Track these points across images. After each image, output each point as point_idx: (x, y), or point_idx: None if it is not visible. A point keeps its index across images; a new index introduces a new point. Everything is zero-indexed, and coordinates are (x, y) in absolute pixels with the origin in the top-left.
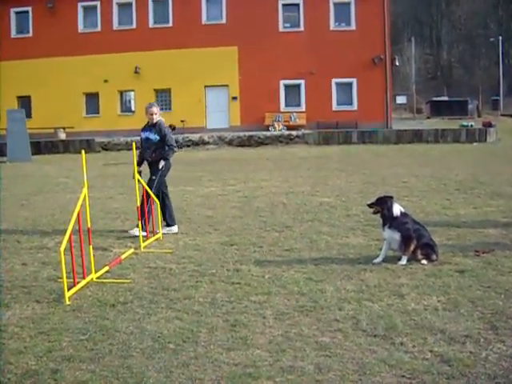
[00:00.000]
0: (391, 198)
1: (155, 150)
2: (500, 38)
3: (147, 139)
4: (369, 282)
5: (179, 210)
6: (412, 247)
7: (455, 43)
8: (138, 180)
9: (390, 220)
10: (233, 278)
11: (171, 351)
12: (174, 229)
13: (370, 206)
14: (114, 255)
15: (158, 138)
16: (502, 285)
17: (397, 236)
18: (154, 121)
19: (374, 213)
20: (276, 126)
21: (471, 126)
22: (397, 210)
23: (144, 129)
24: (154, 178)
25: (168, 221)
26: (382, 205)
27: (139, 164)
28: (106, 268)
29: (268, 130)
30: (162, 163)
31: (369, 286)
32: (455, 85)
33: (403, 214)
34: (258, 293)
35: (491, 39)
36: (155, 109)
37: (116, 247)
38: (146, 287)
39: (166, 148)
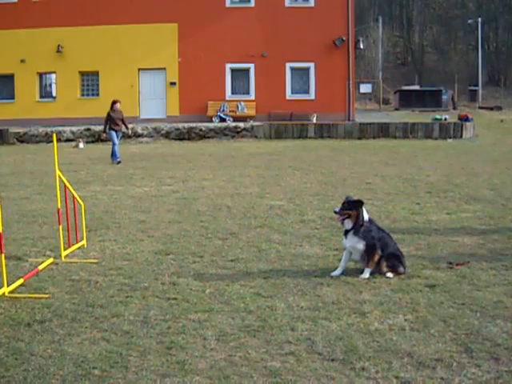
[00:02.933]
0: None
1: None
2: (479, 19)
3: None
4: (326, 299)
5: (107, 214)
6: (376, 258)
7: (428, 25)
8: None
9: (357, 226)
10: (168, 293)
11: (96, 378)
12: None
13: (339, 212)
14: (29, 265)
15: None
16: (477, 301)
17: (360, 245)
18: None
19: (344, 219)
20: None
21: (445, 119)
22: (365, 215)
23: None
24: None
25: None
26: (356, 208)
27: None
28: (21, 281)
29: (211, 121)
30: None
31: (326, 302)
32: (428, 72)
33: (369, 220)
34: (197, 310)
35: (469, 21)
36: None
37: (32, 256)
38: (68, 303)
39: None
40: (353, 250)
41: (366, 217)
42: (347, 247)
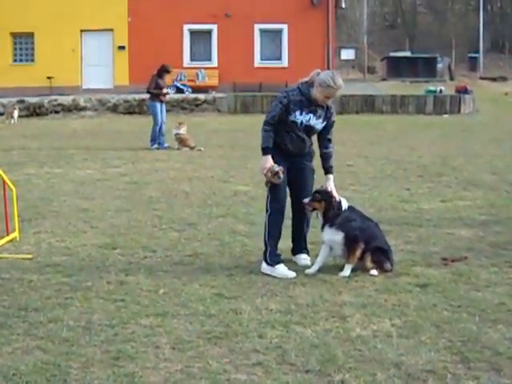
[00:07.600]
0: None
1: None
2: None
3: None
4: (299, 300)
5: (43, 201)
6: (358, 252)
7: None
8: None
9: (333, 217)
10: (115, 294)
11: None
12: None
13: (308, 204)
14: None
15: None
16: (476, 303)
17: (339, 237)
18: None
19: (314, 209)
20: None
21: (441, 91)
22: (344, 203)
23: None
24: None
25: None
26: (328, 197)
27: None
28: None
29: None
30: None
31: (300, 304)
32: (421, 36)
33: (349, 208)
34: (149, 314)
35: None
36: None
37: None
38: None
39: None
40: (332, 243)
41: (344, 205)
42: (325, 241)
